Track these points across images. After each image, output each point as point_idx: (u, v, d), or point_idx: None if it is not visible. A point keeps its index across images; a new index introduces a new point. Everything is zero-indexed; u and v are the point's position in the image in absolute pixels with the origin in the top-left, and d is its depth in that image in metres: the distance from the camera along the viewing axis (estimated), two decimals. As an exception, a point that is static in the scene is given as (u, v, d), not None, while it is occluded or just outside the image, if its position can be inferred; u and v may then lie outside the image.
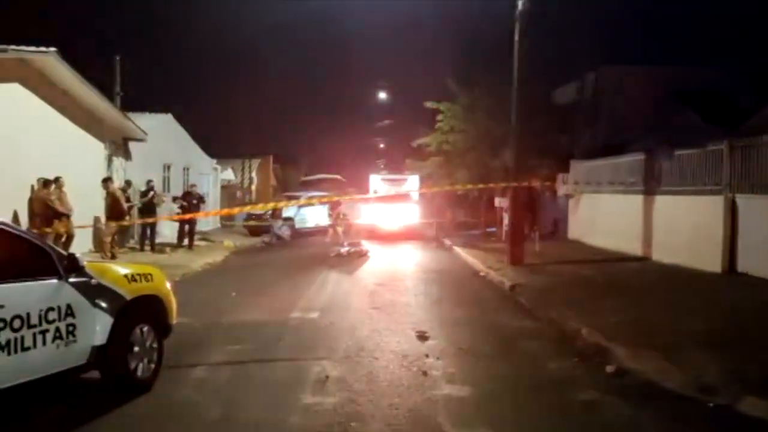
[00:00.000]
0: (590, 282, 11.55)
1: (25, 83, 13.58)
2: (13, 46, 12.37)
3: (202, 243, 20.31)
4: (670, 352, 6.56)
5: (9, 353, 4.45)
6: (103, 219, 15.83)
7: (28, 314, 4.62)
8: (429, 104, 22.86)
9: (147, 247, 17.53)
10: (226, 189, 34.52)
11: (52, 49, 13.07)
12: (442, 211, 28.11)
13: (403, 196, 25.06)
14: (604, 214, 17.49)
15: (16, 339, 4.51)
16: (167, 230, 19.89)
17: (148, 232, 17.71)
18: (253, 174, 41.31)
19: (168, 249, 17.64)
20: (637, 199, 15.16)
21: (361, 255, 17.03)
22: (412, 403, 5.41)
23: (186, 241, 18.43)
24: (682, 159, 13.74)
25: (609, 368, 6.39)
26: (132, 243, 18.69)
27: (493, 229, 21.91)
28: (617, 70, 23.01)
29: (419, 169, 25.83)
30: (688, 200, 13.11)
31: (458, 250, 18.37)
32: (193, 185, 20.75)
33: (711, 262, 11.96)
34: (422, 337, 7.81)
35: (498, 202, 21.06)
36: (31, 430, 4.87)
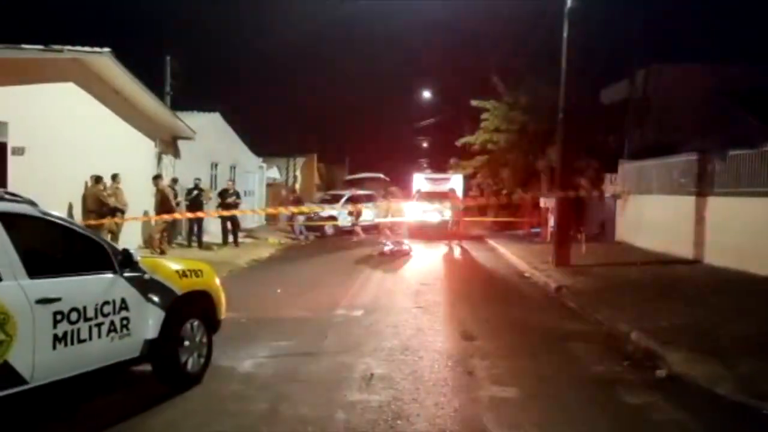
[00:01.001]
0: (639, 284, 11.32)
1: (81, 83, 13.99)
2: (68, 47, 12.74)
3: (248, 240, 20.63)
4: (723, 357, 6.39)
5: (66, 345, 4.59)
6: (152, 215, 16.22)
7: (84, 307, 4.76)
8: (475, 103, 22.75)
9: (194, 244, 17.87)
10: (271, 187, 34.95)
11: (106, 49, 13.43)
12: (484, 210, 27.94)
13: (447, 195, 24.94)
14: (654, 216, 17.10)
15: (73, 331, 4.65)
16: (214, 227, 20.24)
17: (195, 228, 18.06)
18: (298, 172, 41.72)
19: (215, 246, 17.94)
20: (689, 201, 14.77)
21: (404, 254, 17.04)
22: (458, 403, 5.39)
23: (230, 238, 18.68)
24: (737, 160, 13.33)
25: (659, 372, 6.27)
26: (179, 239, 19.07)
27: (538, 230, 21.66)
28: (669, 68, 22.43)
29: (463, 168, 25.73)
30: (743, 202, 12.72)
31: (502, 250, 18.22)
32: (230, 181, 21.03)
33: (767, 265, 11.59)
34: (467, 337, 7.78)
35: (543, 202, 20.80)
36: (87, 419, 5.02)
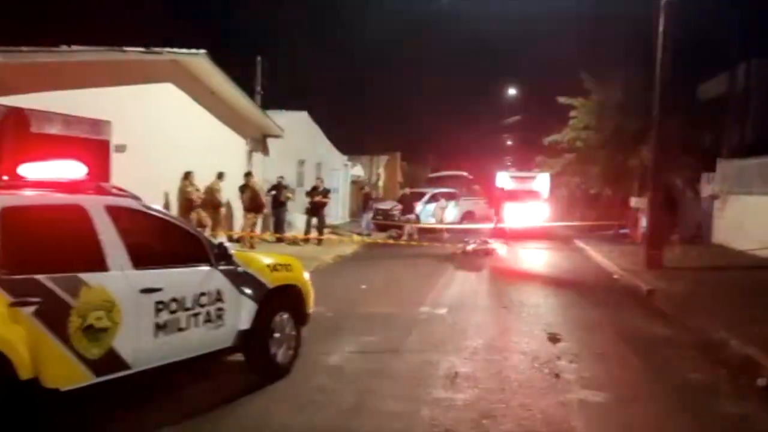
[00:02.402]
0: (736, 289, 10.75)
1: (178, 83, 14.63)
2: (167, 49, 13.37)
3: (333, 236, 20.97)
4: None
5: (166, 333, 4.83)
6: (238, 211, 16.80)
7: (183, 297, 4.99)
8: (562, 100, 22.21)
9: (273, 240, 18.27)
10: (356, 184, 35.39)
11: (202, 50, 14.00)
12: (571, 210, 27.28)
13: (532, 194, 24.52)
14: (756, 217, 16.16)
15: (172, 320, 4.89)
16: (300, 223, 20.68)
17: (282, 224, 18.51)
18: (381, 170, 42.04)
19: (301, 241, 18.35)
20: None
21: (488, 253, 16.85)
22: (545, 405, 5.30)
23: (314, 234, 18.99)
24: None
25: (761, 381, 5.94)
26: (265, 235, 19.59)
27: (626, 231, 20.93)
28: (772, 62, 21.16)
29: (549, 166, 25.18)
30: None
31: (590, 251, 17.72)
32: (319, 179, 21.39)
33: None
34: (554, 339, 7.62)
35: (634, 202, 20.09)
36: (183, 404, 5.25)
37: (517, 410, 5.16)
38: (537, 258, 17.25)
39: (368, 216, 23.39)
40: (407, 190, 24.85)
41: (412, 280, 12.48)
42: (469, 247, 17.04)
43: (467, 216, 25.52)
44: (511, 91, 44.51)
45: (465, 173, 35.35)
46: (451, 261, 15.40)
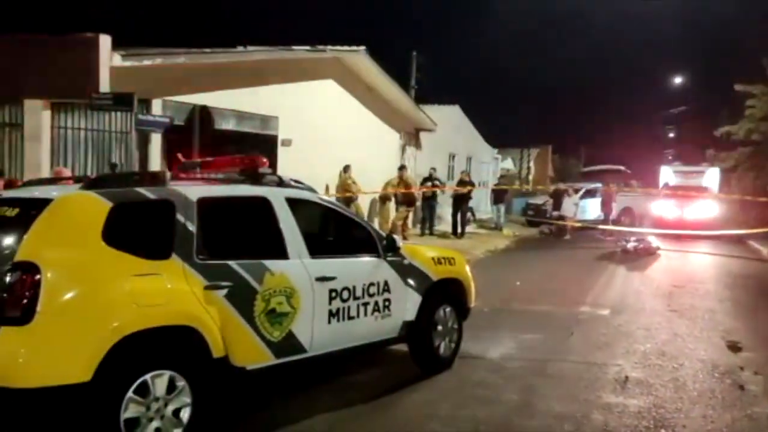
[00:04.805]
0: None
1: (338, 79, 15.18)
2: (330, 47, 13.90)
3: (482, 231, 20.80)
4: None
5: (338, 320, 5.01)
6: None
7: (354, 287, 5.15)
8: (739, 87, 20.40)
9: (427, 231, 18.37)
10: (505, 178, 34.86)
11: (362, 47, 14.40)
12: (745, 210, 25.00)
13: (700, 190, 22.76)
14: None
15: (344, 308, 5.06)
16: (449, 217, 20.70)
17: (432, 217, 18.61)
18: (531, 164, 41.06)
19: (451, 235, 18.34)
20: None
21: (651, 252, 15.87)
22: (729, 418, 4.90)
23: (459, 229, 18.78)
24: None
25: None
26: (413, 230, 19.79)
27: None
28: None
29: (721, 160, 23.28)
30: None
31: (766, 252, 16.18)
32: (464, 172, 21.14)
33: None
34: (734, 347, 7.03)
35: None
36: (351, 390, 5.44)
37: (698, 421, 4.82)
38: (706, 259, 16.00)
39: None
40: (560, 185, 23.94)
41: (568, 277, 12.08)
42: (630, 245, 16.14)
43: (625, 212, 24.22)
44: (675, 80, 41.46)
45: (622, 167, 33.60)
46: (609, 259, 14.71)
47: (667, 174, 25.60)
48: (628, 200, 25.31)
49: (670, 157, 47.04)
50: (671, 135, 54.37)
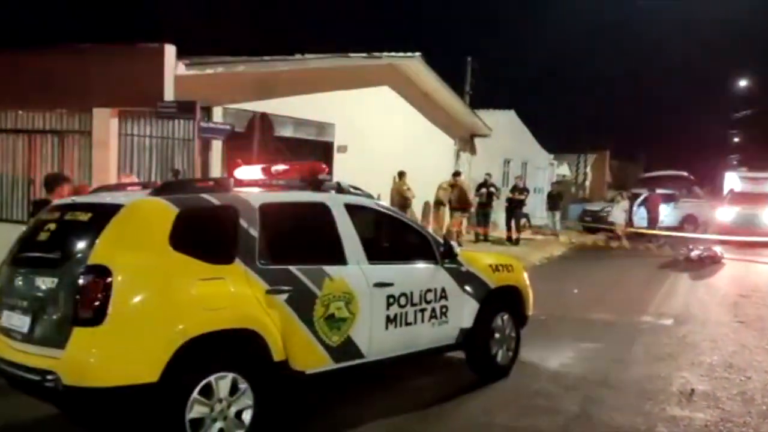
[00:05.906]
0: None
1: (393, 86, 15.22)
2: (385, 53, 13.97)
3: (538, 237, 20.49)
4: None
5: (396, 326, 5.02)
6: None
7: (411, 293, 5.15)
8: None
9: (481, 238, 18.19)
10: (561, 184, 34.28)
11: (417, 53, 14.43)
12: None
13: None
14: None
15: (402, 314, 5.07)
16: (504, 222, 20.46)
17: (488, 223, 18.45)
18: (588, 170, 40.25)
19: (507, 241, 18.12)
20: None
21: (716, 261, 15.32)
22: (803, 437, 4.70)
23: (514, 235, 18.48)
24: None
25: None
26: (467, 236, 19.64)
27: None
28: None
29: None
30: None
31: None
32: (518, 177, 20.86)
33: None
34: (806, 361, 6.74)
35: None
36: (409, 395, 5.44)
37: (770, 439, 4.64)
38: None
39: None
40: (622, 193, 23.33)
41: (628, 286, 11.80)
42: (694, 254, 15.60)
43: (688, 219, 23.49)
44: (741, 82, 39.98)
45: (684, 173, 32.63)
46: (672, 268, 14.28)
47: (733, 180, 24.73)
48: (691, 207, 24.55)
49: (735, 163, 45.40)
50: (736, 140, 52.51)
